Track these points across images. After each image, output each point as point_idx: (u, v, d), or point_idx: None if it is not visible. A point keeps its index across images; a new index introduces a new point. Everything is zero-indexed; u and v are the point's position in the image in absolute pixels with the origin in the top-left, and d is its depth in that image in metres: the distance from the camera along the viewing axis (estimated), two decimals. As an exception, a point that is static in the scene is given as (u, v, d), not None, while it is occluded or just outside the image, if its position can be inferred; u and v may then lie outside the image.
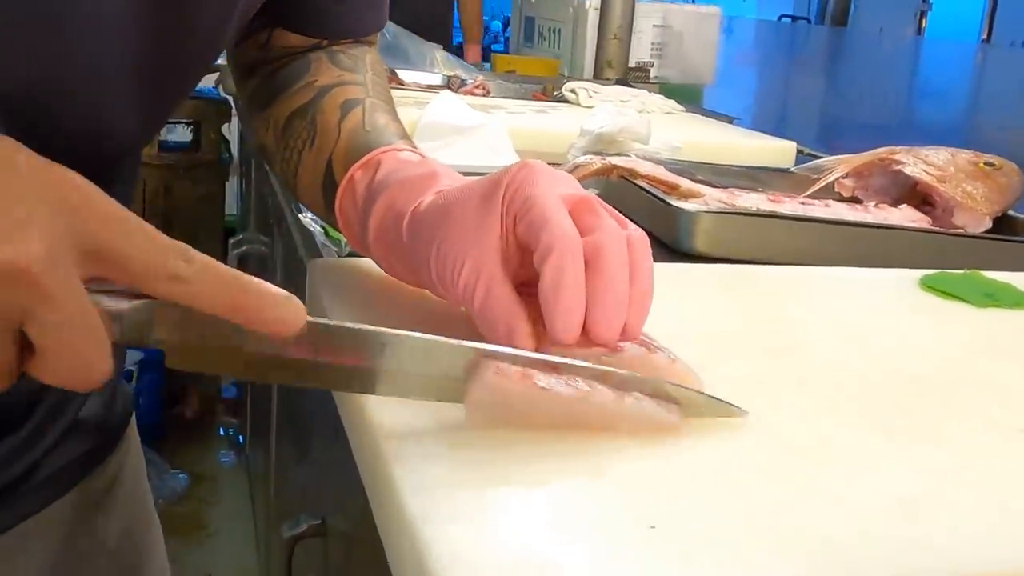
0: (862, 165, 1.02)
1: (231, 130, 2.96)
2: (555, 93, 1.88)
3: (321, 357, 0.41)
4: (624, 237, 0.47)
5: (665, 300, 0.50)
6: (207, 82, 2.30)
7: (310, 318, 0.39)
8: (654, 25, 2.27)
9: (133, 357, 2.34)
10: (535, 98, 1.89)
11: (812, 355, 0.58)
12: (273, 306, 0.38)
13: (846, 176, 1.03)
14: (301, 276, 0.67)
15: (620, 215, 0.49)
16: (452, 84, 1.87)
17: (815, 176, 1.04)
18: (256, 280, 0.38)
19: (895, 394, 0.53)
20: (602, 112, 1.18)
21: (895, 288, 0.73)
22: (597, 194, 0.50)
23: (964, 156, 0.99)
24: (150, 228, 0.37)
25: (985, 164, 0.97)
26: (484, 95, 1.85)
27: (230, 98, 2.68)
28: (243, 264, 2.08)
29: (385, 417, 0.44)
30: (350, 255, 0.78)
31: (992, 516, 0.41)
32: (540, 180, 0.47)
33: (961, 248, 0.89)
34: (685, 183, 0.96)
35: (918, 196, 0.99)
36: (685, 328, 0.58)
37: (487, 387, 0.42)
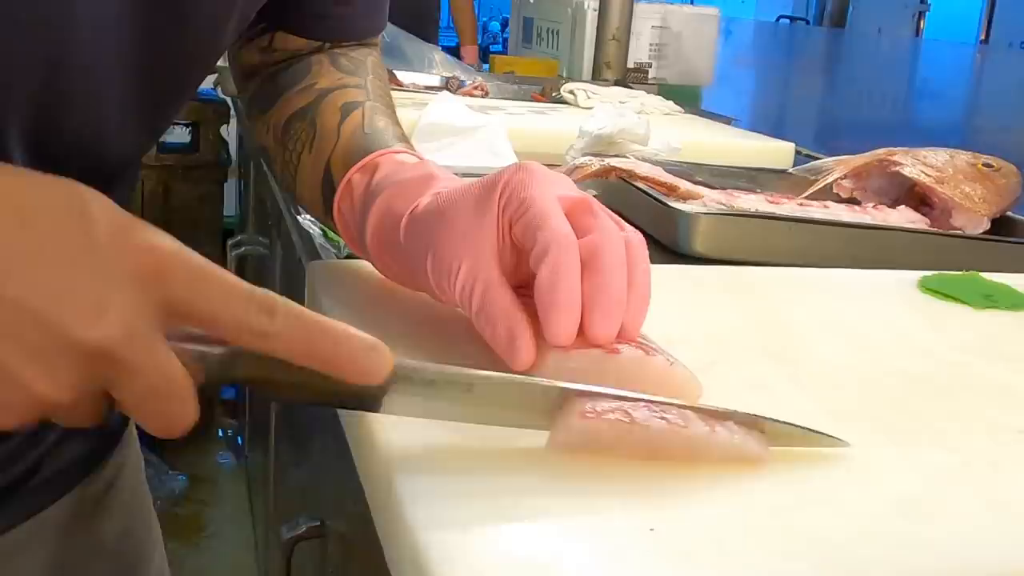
0: (860, 166, 1.02)
1: (230, 131, 2.96)
2: (554, 94, 1.88)
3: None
4: (622, 238, 0.47)
5: (663, 302, 0.50)
6: (206, 83, 2.30)
7: (397, 361, 0.39)
8: (652, 26, 2.27)
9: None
10: (534, 99, 1.89)
11: (810, 356, 0.58)
12: (360, 357, 0.38)
13: (844, 177, 1.03)
14: (300, 278, 0.67)
15: (618, 217, 0.49)
16: (451, 85, 1.87)
17: (813, 177, 1.04)
18: (341, 328, 0.38)
19: (894, 395, 0.53)
20: (601, 113, 1.18)
21: (894, 289, 0.73)
22: (595, 195, 0.50)
23: (962, 157, 0.99)
24: (231, 280, 0.37)
25: (983, 165, 0.97)
26: (483, 96, 1.85)
27: (229, 99, 2.68)
28: (242, 265, 2.08)
29: (385, 421, 0.44)
30: (349, 257, 0.78)
31: (991, 517, 0.41)
32: (536, 182, 0.47)
33: (959, 249, 0.89)
34: (684, 184, 0.96)
35: (916, 197, 0.99)
36: (683, 330, 0.58)
37: (572, 431, 0.41)
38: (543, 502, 0.39)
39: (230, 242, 2.04)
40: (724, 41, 3.39)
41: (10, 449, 0.58)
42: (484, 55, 3.74)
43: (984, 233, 0.95)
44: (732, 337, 0.59)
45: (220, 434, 2.72)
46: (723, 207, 0.91)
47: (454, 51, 3.37)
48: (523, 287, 0.47)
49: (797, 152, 1.47)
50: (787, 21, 9.49)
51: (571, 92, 1.83)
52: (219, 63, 0.66)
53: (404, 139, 0.62)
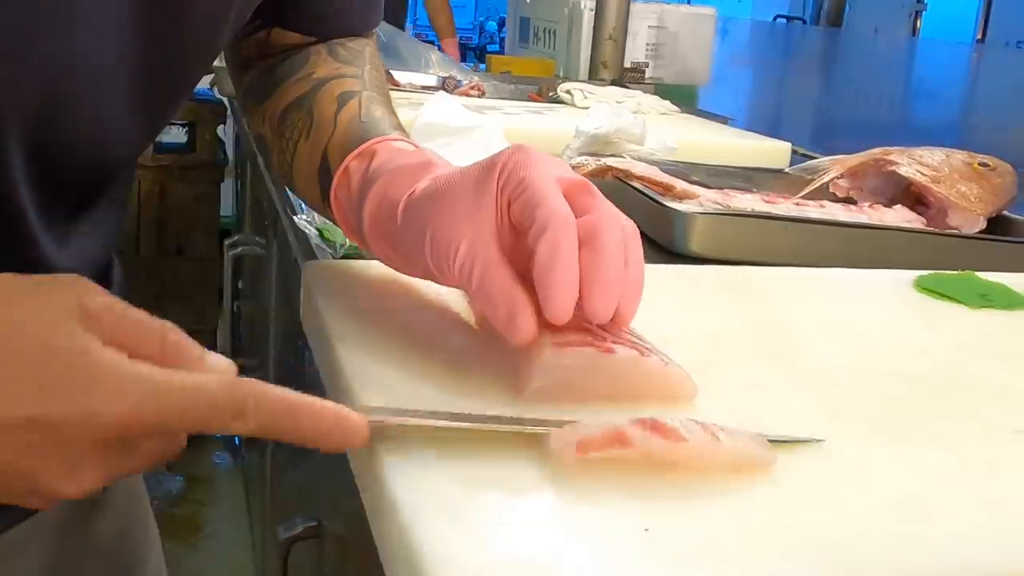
0: (857, 166, 1.02)
1: (226, 131, 2.96)
2: (550, 94, 1.88)
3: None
4: (619, 219, 0.47)
5: (660, 301, 0.50)
6: (202, 84, 2.30)
7: (372, 419, 0.40)
8: (649, 26, 2.27)
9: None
10: (530, 99, 1.89)
11: (807, 356, 0.58)
12: (331, 436, 0.40)
13: (841, 177, 1.03)
14: (296, 277, 0.67)
15: (613, 206, 0.49)
16: (447, 85, 1.87)
17: (810, 177, 1.04)
18: (310, 405, 0.39)
19: (890, 395, 0.53)
20: (597, 113, 1.18)
21: (890, 289, 0.73)
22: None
23: (958, 157, 0.99)
24: (201, 389, 0.39)
25: (979, 165, 0.98)
26: (479, 96, 1.85)
27: (225, 100, 2.68)
28: (238, 265, 2.08)
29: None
30: (345, 257, 0.78)
31: (988, 517, 0.41)
32: (535, 162, 0.48)
33: (955, 249, 0.89)
34: (680, 184, 0.96)
35: (912, 197, 0.99)
36: (680, 329, 0.58)
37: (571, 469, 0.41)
38: (538, 503, 0.39)
39: (227, 242, 2.04)
40: (721, 41, 3.39)
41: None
42: (481, 55, 3.73)
43: (980, 232, 0.95)
44: (728, 337, 0.59)
45: (217, 434, 2.72)
46: (719, 207, 0.91)
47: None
48: (522, 270, 0.47)
49: (793, 152, 1.47)
50: (784, 21, 9.50)
51: (568, 92, 1.83)
52: (216, 63, 0.67)
53: (400, 128, 0.62)
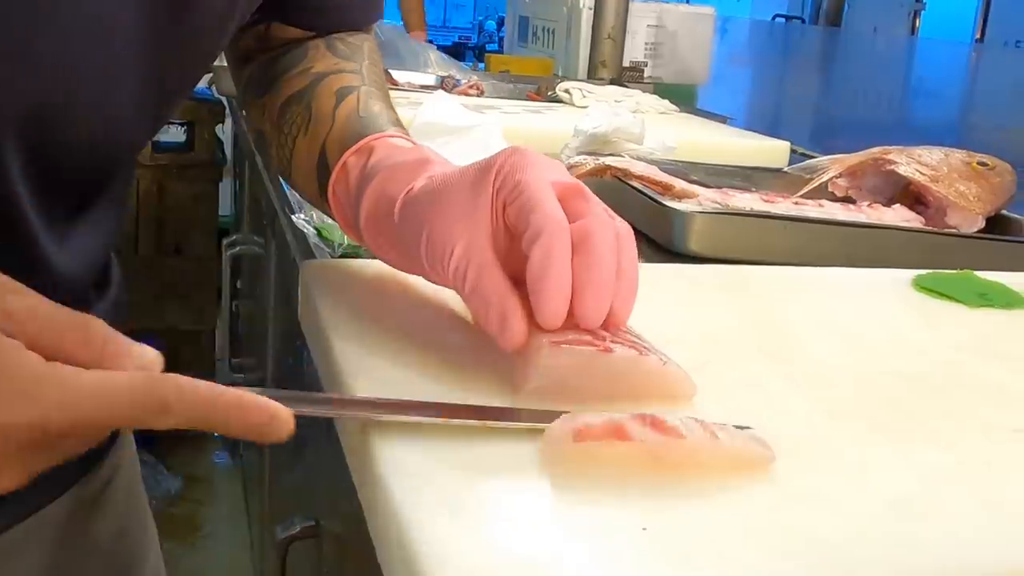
0: (855, 165, 1.02)
1: (225, 131, 2.96)
2: (549, 93, 1.88)
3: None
4: (612, 224, 0.47)
5: (658, 301, 0.50)
6: (201, 83, 2.30)
7: (297, 412, 0.40)
8: (648, 25, 2.27)
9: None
10: (529, 98, 1.89)
11: (805, 355, 0.58)
12: (256, 428, 0.39)
13: (839, 176, 1.03)
14: (295, 277, 0.67)
15: (608, 208, 0.49)
16: (446, 84, 1.87)
17: (808, 176, 1.04)
18: (236, 398, 0.39)
19: (889, 394, 0.53)
20: (596, 112, 1.18)
21: (888, 288, 0.73)
22: (590, 193, 0.50)
23: (957, 156, 0.99)
24: (118, 390, 0.38)
25: (978, 164, 0.98)
26: (478, 95, 1.85)
27: (224, 99, 2.67)
28: (237, 264, 2.08)
29: (378, 423, 0.44)
30: (343, 256, 0.78)
31: (986, 516, 0.41)
32: (530, 165, 0.48)
33: (954, 248, 0.89)
34: (679, 183, 0.96)
35: (911, 196, 0.99)
36: (678, 329, 0.58)
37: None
38: (537, 502, 0.39)
39: (225, 241, 2.04)
40: (720, 40, 3.40)
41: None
42: (480, 54, 3.73)
43: (979, 232, 0.95)
44: (727, 336, 0.59)
45: (215, 434, 2.72)
46: (718, 206, 0.91)
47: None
48: (516, 272, 0.47)
49: (792, 151, 1.47)
50: (783, 20, 9.50)
51: (566, 91, 1.83)
52: (214, 62, 0.67)
53: (399, 124, 0.62)
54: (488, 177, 0.48)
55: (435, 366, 0.49)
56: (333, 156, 0.60)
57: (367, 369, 0.49)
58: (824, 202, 0.96)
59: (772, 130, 1.62)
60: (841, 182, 1.03)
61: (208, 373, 2.53)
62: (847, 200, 1.02)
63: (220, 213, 2.98)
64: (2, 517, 0.59)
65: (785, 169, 1.20)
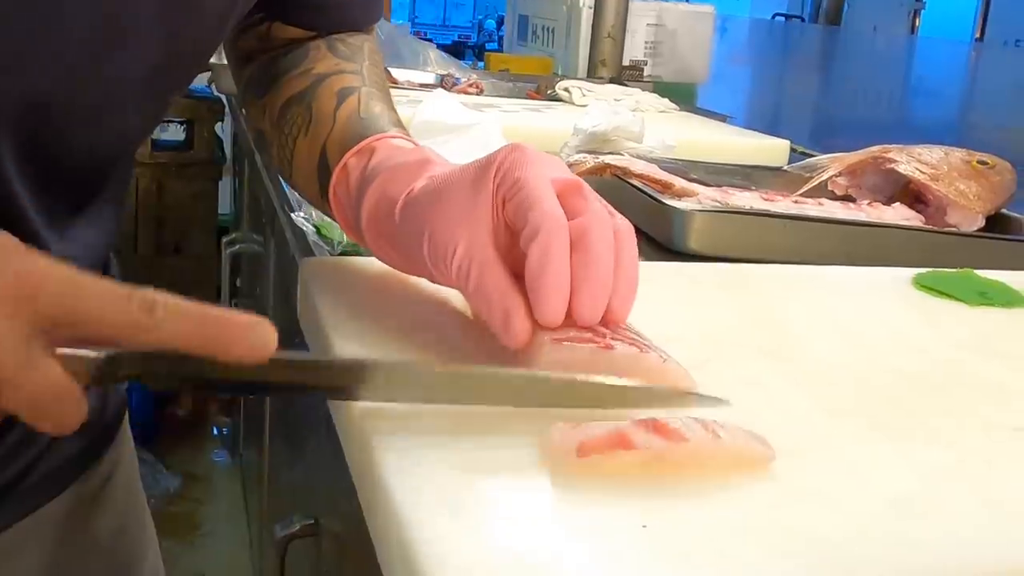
0: (855, 163, 1.02)
1: (224, 129, 2.96)
2: (548, 92, 1.88)
3: (296, 382, 0.42)
4: (610, 221, 0.47)
5: (658, 299, 0.50)
6: (200, 81, 2.30)
7: (280, 353, 0.40)
8: (648, 24, 2.27)
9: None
10: (529, 97, 1.89)
11: (805, 354, 0.58)
12: (241, 337, 0.39)
13: (839, 174, 1.03)
14: (294, 275, 0.67)
15: (608, 205, 0.49)
16: (445, 83, 1.87)
17: (808, 174, 1.04)
18: (221, 312, 0.39)
19: (889, 393, 0.53)
20: (596, 111, 1.18)
21: (888, 286, 0.73)
22: (589, 192, 0.50)
23: (957, 154, 0.99)
24: (106, 286, 0.38)
25: (978, 162, 0.97)
26: (477, 94, 1.85)
27: (223, 97, 2.67)
28: (236, 262, 2.08)
29: (376, 417, 0.44)
30: (342, 254, 0.78)
31: (987, 515, 0.41)
32: (530, 162, 0.48)
33: (954, 246, 0.89)
34: (679, 182, 0.96)
35: (911, 194, 0.99)
36: (678, 327, 0.58)
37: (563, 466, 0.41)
38: (537, 500, 0.39)
39: (224, 240, 2.04)
40: (719, 39, 3.39)
41: (6, 448, 0.58)
42: (479, 53, 3.73)
43: (979, 230, 0.95)
44: (727, 334, 0.59)
45: (215, 432, 2.72)
46: (718, 204, 0.91)
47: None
48: (519, 268, 0.47)
49: (792, 149, 1.47)
50: (782, 19, 9.50)
51: (566, 89, 1.83)
52: (214, 60, 0.67)
53: (399, 124, 0.62)
54: (488, 174, 0.48)
55: (436, 362, 0.49)
56: (334, 157, 0.60)
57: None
58: (824, 201, 0.96)
59: (772, 129, 1.62)
60: (841, 181, 1.03)
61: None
62: (847, 199, 1.02)
63: (219, 211, 2.98)
64: (3, 515, 0.59)
65: (785, 168, 1.20)
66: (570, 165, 1.00)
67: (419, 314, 0.56)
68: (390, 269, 0.57)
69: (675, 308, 0.62)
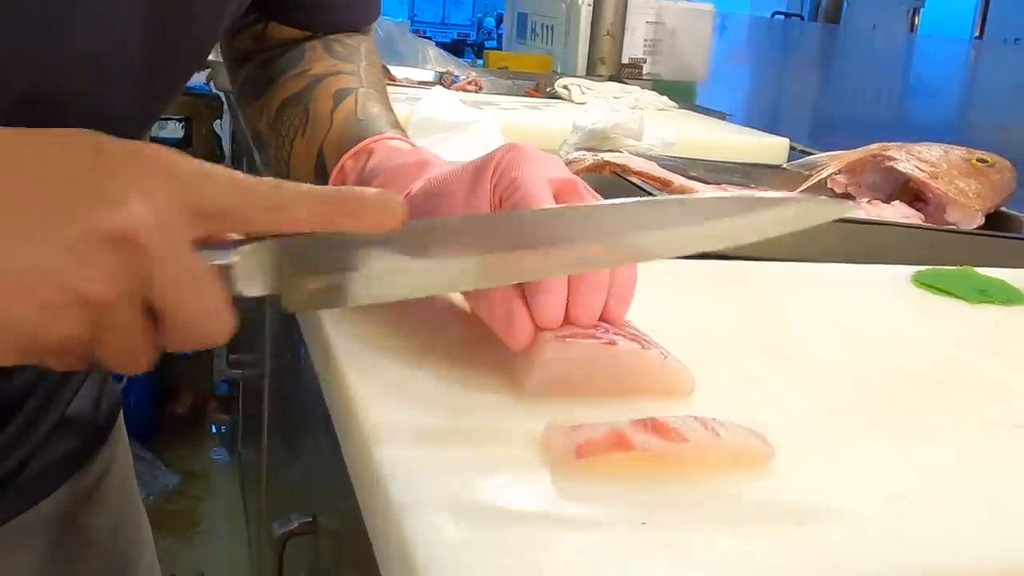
0: (855, 161, 1.02)
1: (223, 126, 2.95)
2: (548, 89, 1.88)
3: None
4: None
5: (657, 297, 0.50)
6: (199, 78, 2.29)
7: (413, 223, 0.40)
8: (647, 22, 2.27)
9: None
10: (528, 94, 1.89)
11: (805, 351, 0.58)
12: (371, 204, 0.40)
13: (839, 172, 1.03)
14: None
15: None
16: (444, 80, 1.87)
17: (808, 172, 1.04)
18: (347, 187, 0.40)
19: (888, 390, 0.53)
20: (595, 108, 1.18)
21: (888, 284, 0.73)
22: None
23: (957, 152, 0.99)
24: (236, 173, 0.39)
25: (978, 160, 0.97)
26: (476, 91, 1.85)
27: (222, 95, 2.67)
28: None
29: (373, 414, 0.44)
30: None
31: (987, 513, 0.40)
32: (526, 162, 0.48)
33: (954, 244, 0.89)
34: (678, 179, 0.95)
35: (911, 192, 0.99)
36: (677, 325, 0.58)
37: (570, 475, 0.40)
38: (535, 498, 0.39)
39: (223, 237, 2.03)
40: (719, 37, 3.39)
41: (0, 444, 0.58)
42: (478, 51, 3.73)
43: (978, 228, 0.94)
44: (726, 332, 0.59)
45: (213, 430, 2.72)
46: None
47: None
48: None
49: (791, 148, 1.47)
50: (782, 17, 9.50)
51: (565, 87, 1.83)
52: (212, 57, 0.66)
53: (397, 125, 0.62)
54: (485, 175, 0.48)
55: (436, 358, 0.49)
56: (331, 159, 0.60)
57: (367, 363, 0.48)
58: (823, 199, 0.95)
59: (771, 127, 1.62)
60: (840, 179, 1.03)
61: (206, 368, 2.52)
62: (846, 196, 1.02)
63: (218, 209, 2.97)
64: (-2, 513, 0.59)
65: (784, 166, 1.19)
66: (569, 163, 1.00)
67: (420, 308, 0.55)
68: (388, 266, 0.57)
69: (674, 306, 0.62)
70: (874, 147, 1.02)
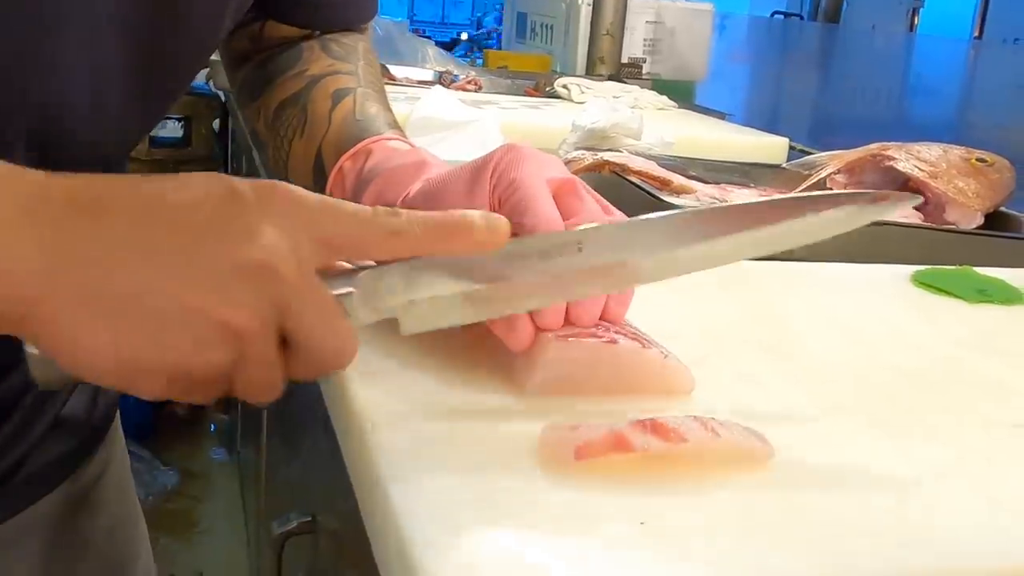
0: (854, 161, 1.02)
1: (229, 126, 2.95)
2: (547, 89, 1.88)
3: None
4: (608, 218, 0.47)
5: (657, 295, 0.50)
6: (198, 77, 2.29)
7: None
8: (647, 21, 2.27)
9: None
10: (527, 94, 1.89)
11: (805, 350, 0.58)
12: (478, 227, 0.40)
13: (838, 172, 1.03)
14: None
15: (605, 201, 0.49)
16: (444, 80, 1.87)
17: (807, 172, 1.04)
18: (457, 211, 0.40)
19: (888, 390, 0.53)
20: (594, 108, 1.17)
21: (887, 284, 0.73)
22: (587, 189, 0.50)
23: (956, 152, 0.99)
24: (353, 205, 0.40)
25: (977, 160, 0.97)
26: (476, 91, 1.85)
27: (221, 94, 2.67)
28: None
29: (373, 414, 0.43)
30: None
31: (986, 511, 0.40)
32: (525, 163, 0.48)
33: (953, 244, 0.89)
34: (677, 179, 0.95)
35: (910, 192, 0.99)
36: (677, 323, 0.58)
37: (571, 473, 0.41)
38: (534, 499, 0.39)
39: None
40: (718, 36, 3.39)
41: (-3, 444, 0.58)
42: (479, 50, 3.72)
43: (977, 228, 0.94)
44: (726, 331, 0.59)
45: (212, 429, 2.72)
46: (716, 202, 0.91)
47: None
48: None
49: (791, 147, 1.47)
50: (781, 16, 9.50)
51: (564, 87, 1.83)
52: (211, 57, 0.66)
53: (395, 125, 0.62)
54: (484, 175, 0.48)
55: (439, 358, 0.49)
56: (329, 159, 0.60)
57: (369, 363, 0.48)
58: (823, 198, 0.95)
59: (770, 126, 1.62)
60: (839, 178, 1.03)
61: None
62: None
63: (218, 208, 2.97)
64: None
65: (783, 165, 1.19)
66: (568, 162, 1.00)
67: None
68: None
69: (674, 305, 0.62)
70: (873, 147, 1.02)
